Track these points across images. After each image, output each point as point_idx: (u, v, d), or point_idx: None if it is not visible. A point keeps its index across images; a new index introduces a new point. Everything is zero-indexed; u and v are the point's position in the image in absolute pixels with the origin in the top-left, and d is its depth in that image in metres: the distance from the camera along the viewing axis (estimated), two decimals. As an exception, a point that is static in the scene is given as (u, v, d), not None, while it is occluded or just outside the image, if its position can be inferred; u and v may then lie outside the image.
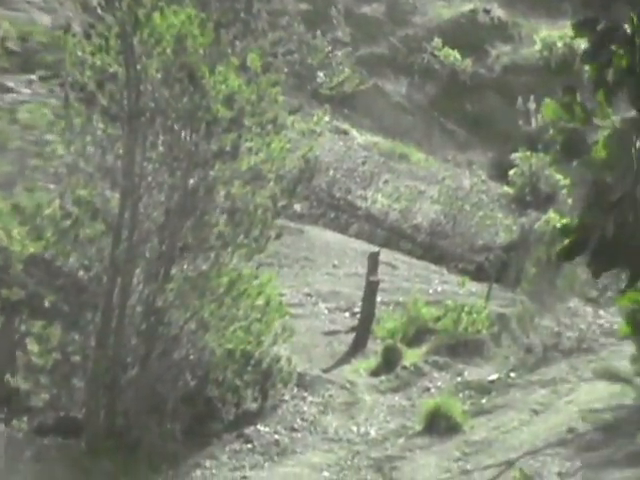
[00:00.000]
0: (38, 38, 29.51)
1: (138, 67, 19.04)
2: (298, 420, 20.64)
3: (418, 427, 20.00)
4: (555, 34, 30.80)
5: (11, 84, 28.41)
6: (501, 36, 35.50)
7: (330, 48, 33.67)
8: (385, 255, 26.65)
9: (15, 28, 29.33)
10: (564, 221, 15.12)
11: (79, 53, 19.36)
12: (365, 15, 34.35)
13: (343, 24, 33.75)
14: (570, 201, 22.36)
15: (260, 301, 20.12)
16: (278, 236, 20.66)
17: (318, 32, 33.72)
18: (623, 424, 17.86)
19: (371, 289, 24.26)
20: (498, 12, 35.89)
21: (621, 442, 17.15)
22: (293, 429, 20.00)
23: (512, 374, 22.14)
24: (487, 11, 36.37)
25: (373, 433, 20.16)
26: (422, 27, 35.22)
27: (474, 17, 36.62)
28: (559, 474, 17.24)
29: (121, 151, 19.24)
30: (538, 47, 35.07)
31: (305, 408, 20.84)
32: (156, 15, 19.01)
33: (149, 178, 19.24)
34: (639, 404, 18.14)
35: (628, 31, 4.94)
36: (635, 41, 5.06)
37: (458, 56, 35.92)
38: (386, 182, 31.41)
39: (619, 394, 18.11)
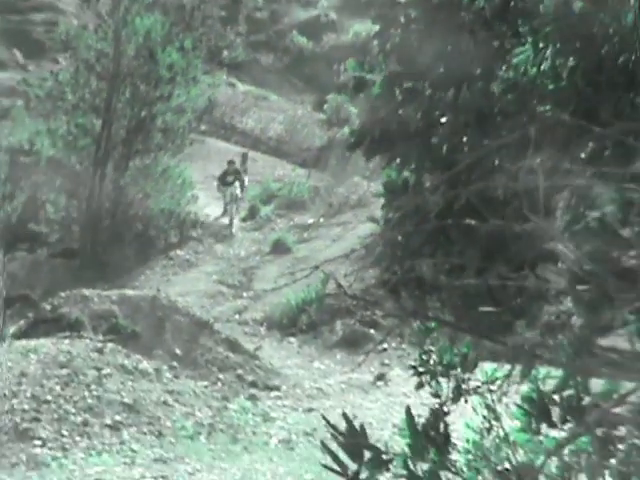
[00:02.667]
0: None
1: (121, 48, 25.33)
2: (200, 247, 27.00)
3: (267, 250, 26.42)
4: (363, 27, 35.27)
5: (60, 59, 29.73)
6: (332, 29, 39.97)
7: (233, 37, 38.16)
8: (251, 154, 31.96)
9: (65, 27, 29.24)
10: (352, 129, 21.57)
11: (89, 41, 25.83)
12: (256, 18, 39.52)
13: (243, 23, 38.92)
14: (357, 122, 24.06)
15: (179, 181, 26.89)
16: (190, 143, 27.40)
17: (228, 28, 38.20)
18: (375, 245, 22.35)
19: (243, 172, 30.11)
20: (332, 16, 40.92)
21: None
22: (197, 252, 26.36)
23: (321, 219, 28.14)
24: (327, 15, 41.53)
25: (242, 254, 26.57)
26: (287, 24, 40.29)
27: (318, 18, 41.46)
28: (345, 275, 22.64)
29: (104, 96, 25.80)
30: (350, 35, 38.91)
31: (204, 240, 27.14)
32: (137, 18, 25.44)
33: (118, 112, 25.94)
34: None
35: (402, 20, 5.22)
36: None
37: (305, 40, 40.20)
38: (254, 112, 35.62)
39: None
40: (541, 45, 4.67)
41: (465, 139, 5.03)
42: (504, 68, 4.76)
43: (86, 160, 25.88)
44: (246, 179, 29.12)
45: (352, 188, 27.94)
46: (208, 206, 29.06)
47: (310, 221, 27.93)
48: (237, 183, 28.16)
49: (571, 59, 4.59)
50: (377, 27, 5.50)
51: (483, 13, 5.04)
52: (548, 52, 4.64)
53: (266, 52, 37.43)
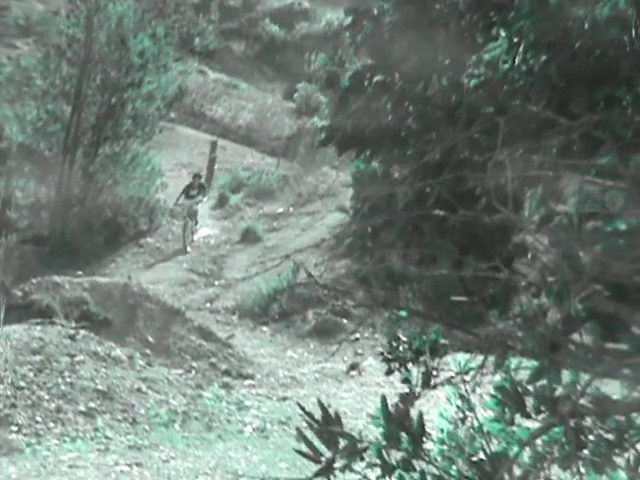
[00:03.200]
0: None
1: (93, 34, 25.29)
2: (169, 235, 27.01)
3: (237, 239, 26.46)
4: (335, 16, 35.10)
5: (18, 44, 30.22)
6: (304, 18, 39.57)
7: (205, 24, 37.88)
8: (220, 142, 31.48)
9: (23, 11, 30.71)
10: (323, 123, 17.23)
11: (60, 26, 25.86)
12: (229, 5, 39.13)
13: (216, 11, 38.61)
14: (327, 111, 24.91)
15: (148, 168, 26.78)
16: (160, 131, 27.44)
17: (200, 15, 37.95)
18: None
19: (212, 160, 30.23)
20: (305, 4, 40.50)
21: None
22: (167, 240, 26.29)
23: (291, 209, 28.07)
24: (300, 4, 40.74)
25: (212, 242, 26.63)
26: (260, 12, 39.88)
27: (291, 6, 41.14)
28: (315, 264, 22.35)
29: (74, 82, 25.61)
30: (323, 24, 38.81)
31: (174, 229, 27.03)
32: (110, 4, 25.38)
33: (89, 98, 25.92)
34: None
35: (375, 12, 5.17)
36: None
37: (277, 29, 39.94)
38: (224, 100, 35.41)
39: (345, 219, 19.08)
40: (515, 40, 4.66)
41: (434, 132, 4.99)
42: (476, 63, 4.75)
43: (55, 146, 25.92)
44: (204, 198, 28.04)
45: (321, 177, 28.00)
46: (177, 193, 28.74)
47: (279, 210, 27.98)
48: (199, 197, 27.27)
49: (544, 53, 4.56)
50: (349, 19, 5.56)
51: (457, 6, 5.07)
52: (521, 47, 4.63)
53: (238, 40, 37.29)
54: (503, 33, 4.73)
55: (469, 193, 4.42)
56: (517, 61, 4.58)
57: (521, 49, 4.61)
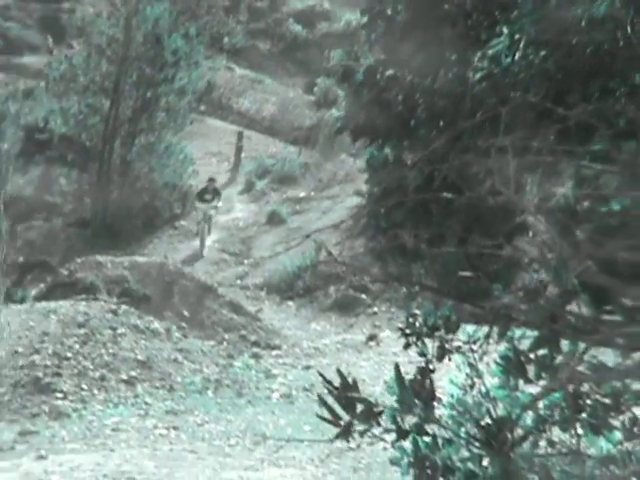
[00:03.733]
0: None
1: (131, 34, 25.37)
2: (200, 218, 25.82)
3: (263, 221, 26.16)
4: (353, 17, 32.78)
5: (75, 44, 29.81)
6: (325, 18, 38.23)
7: (234, 25, 36.91)
8: (246, 133, 30.73)
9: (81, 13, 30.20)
10: (339, 114, 19.15)
11: (102, 27, 25.97)
12: (257, 7, 38.22)
13: (245, 12, 37.80)
14: (343, 103, 23.53)
15: (181, 156, 26.63)
16: (191, 122, 27.42)
17: (230, 16, 36.90)
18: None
19: (239, 149, 29.58)
20: (326, 5, 38.84)
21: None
22: (199, 223, 25.20)
23: (312, 193, 27.76)
24: (321, 5, 39.03)
25: (241, 224, 26.31)
26: (285, 13, 38.67)
27: (313, 8, 39.40)
28: (335, 243, 20.78)
29: (113, 78, 25.68)
30: (342, 23, 36.88)
31: (207, 212, 25.66)
32: (148, 7, 25.39)
33: (125, 93, 25.89)
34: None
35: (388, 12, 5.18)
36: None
37: (300, 28, 38.43)
38: (250, 94, 34.52)
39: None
40: (516, 36, 4.65)
41: (442, 121, 4.99)
42: (480, 58, 4.71)
43: (95, 137, 25.88)
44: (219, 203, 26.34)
45: (339, 164, 27.79)
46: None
47: (302, 194, 27.76)
48: (214, 202, 25.60)
49: (543, 49, 4.54)
50: (365, 18, 5.60)
51: (465, 6, 5.06)
52: (522, 43, 4.61)
53: (264, 39, 36.50)
54: (505, 30, 4.68)
55: (474, 177, 4.34)
56: (518, 56, 4.55)
57: (522, 45, 4.56)
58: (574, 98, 4.21)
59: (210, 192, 25.48)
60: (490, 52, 4.50)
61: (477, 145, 4.47)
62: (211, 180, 26.05)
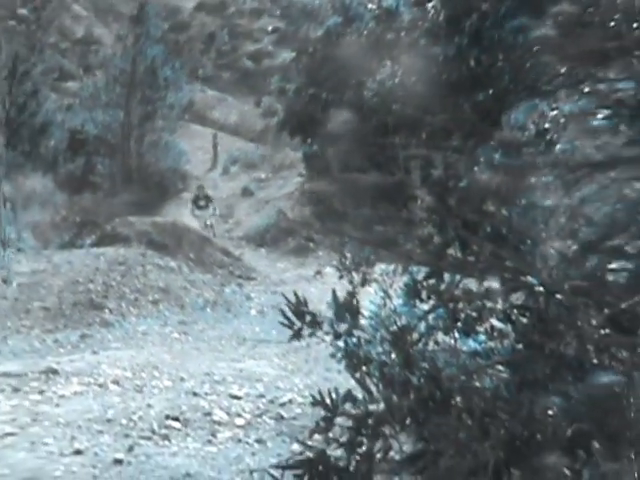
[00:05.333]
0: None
1: (136, 67, 25.51)
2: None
3: (239, 193, 25.52)
4: (288, 55, 28.38)
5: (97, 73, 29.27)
6: (269, 57, 36.23)
7: (206, 61, 35.99)
8: (219, 134, 29.97)
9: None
10: (279, 119, 18.58)
11: (115, 62, 26.02)
12: (222, 49, 36.63)
13: (213, 52, 36.51)
14: (281, 113, 23.28)
15: (177, 150, 26.62)
16: (180, 127, 27.50)
17: (203, 55, 36.03)
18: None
19: (215, 145, 28.82)
20: (270, 48, 36.18)
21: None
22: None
23: (270, 175, 26.80)
24: (267, 48, 36.28)
25: (224, 196, 25.33)
26: (241, 53, 36.93)
27: (261, 49, 36.70)
28: (290, 208, 21.73)
29: (124, 97, 25.67)
30: (280, 60, 32.82)
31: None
32: (148, 49, 25.42)
33: (133, 108, 25.67)
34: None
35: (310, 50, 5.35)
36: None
37: (251, 63, 36.33)
38: (218, 108, 33.20)
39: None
40: (396, 67, 4.50)
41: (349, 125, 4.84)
42: (372, 81, 4.50)
43: (117, 137, 25.69)
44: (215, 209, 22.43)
45: (285, 155, 26.77)
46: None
47: (262, 176, 27.09)
48: (210, 210, 21.77)
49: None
50: (294, 55, 5.54)
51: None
52: (400, 72, 4.43)
53: (226, 70, 35.64)
54: (389, 63, 4.54)
55: (377, 163, 4.30)
56: (397, 81, 4.31)
57: (399, 73, 4.33)
58: (437, 110, 4.02)
59: (202, 198, 22.07)
60: (378, 78, 4.35)
61: (375, 141, 4.38)
62: (200, 187, 23.05)
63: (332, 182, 4.95)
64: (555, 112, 3.64)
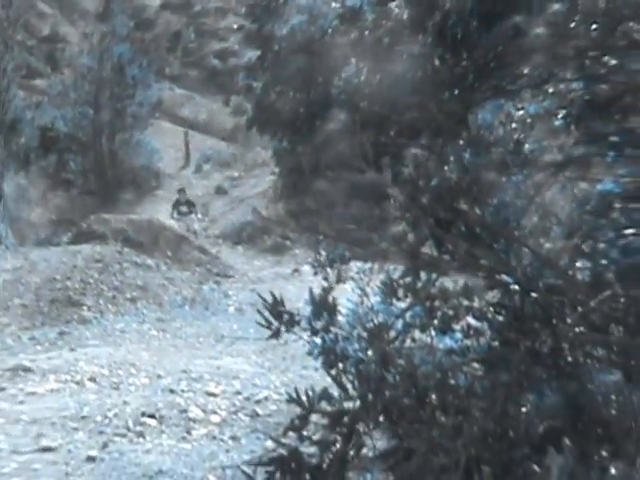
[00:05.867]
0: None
1: (103, 65, 25.21)
2: (172, 189, 23.82)
3: (212, 192, 25.37)
4: (254, 54, 28.75)
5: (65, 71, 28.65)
6: (235, 56, 35.21)
7: (172, 59, 35.39)
8: (190, 132, 29.83)
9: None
10: (247, 116, 18.03)
11: (83, 60, 25.61)
12: (189, 47, 36.33)
13: (180, 51, 36.04)
14: (250, 110, 19.32)
15: (149, 148, 26.11)
16: (151, 125, 26.93)
17: (171, 54, 35.68)
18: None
19: (187, 143, 28.47)
20: (236, 47, 35.25)
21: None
22: (170, 192, 23.24)
23: (242, 173, 26.74)
24: (233, 47, 35.72)
25: (199, 194, 25.18)
26: (207, 52, 36.41)
27: (227, 49, 35.95)
28: (265, 207, 21.77)
29: (94, 95, 25.22)
30: (245, 59, 30.54)
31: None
32: (114, 47, 25.35)
33: (103, 105, 25.38)
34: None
35: (275, 48, 5.36)
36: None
37: (218, 62, 35.85)
38: (187, 106, 32.90)
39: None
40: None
41: (317, 123, 4.87)
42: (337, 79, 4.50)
43: (87, 135, 25.30)
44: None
45: (256, 153, 26.61)
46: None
47: (235, 174, 26.94)
48: (193, 216, 20.83)
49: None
50: (259, 53, 5.51)
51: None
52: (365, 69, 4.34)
53: (193, 69, 35.15)
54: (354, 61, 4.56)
55: (347, 162, 4.34)
56: (363, 78, 4.29)
57: (365, 71, 4.36)
58: (403, 108, 4.01)
59: (184, 203, 21.00)
60: (344, 75, 4.30)
61: (344, 140, 4.38)
62: (181, 191, 21.81)
63: (302, 181, 4.98)
64: (521, 112, 3.64)
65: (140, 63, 26.55)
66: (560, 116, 3.46)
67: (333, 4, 4.45)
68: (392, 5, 3.99)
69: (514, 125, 3.64)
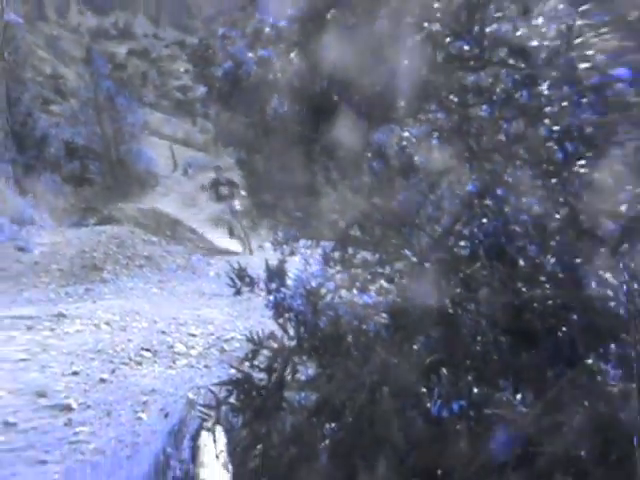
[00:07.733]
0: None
1: (97, 96, 24.78)
2: (170, 185, 25.63)
3: (199, 189, 22.52)
4: None
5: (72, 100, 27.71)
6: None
7: (147, 92, 35.09)
8: (174, 146, 29.36)
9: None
10: (214, 135, 20.60)
11: (81, 92, 25.24)
12: (157, 84, 36.18)
13: (152, 86, 36.26)
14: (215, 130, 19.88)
15: (146, 156, 25.41)
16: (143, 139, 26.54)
17: (144, 87, 35.80)
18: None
19: (173, 153, 27.77)
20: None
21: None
22: (167, 187, 24.59)
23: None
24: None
25: (188, 190, 23.72)
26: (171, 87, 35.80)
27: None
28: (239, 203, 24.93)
29: (95, 117, 24.51)
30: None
31: (169, 183, 25.85)
32: (102, 82, 24.57)
33: (105, 125, 24.63)
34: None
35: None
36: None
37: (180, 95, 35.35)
38: (167, 127, 31.55)
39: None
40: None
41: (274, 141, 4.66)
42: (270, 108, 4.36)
43: (100, 146, 24.65)
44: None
45: (225, 161, 24.16)
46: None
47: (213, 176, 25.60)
48: (235, 200, 16.64)
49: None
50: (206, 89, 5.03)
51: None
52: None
53: (164, 99, 34.23)
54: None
55: (292, 169, 4.17)
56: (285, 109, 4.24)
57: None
58: (319, 128, 3.90)
59: (224, 183, 17.13)
60: (272, 106, 4.23)
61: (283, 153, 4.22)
62: (218, 168, 17.99)
63: (267, 182, 4.84)
64: (407, 134, 3.63)
65: (124, 94, 26.21)
66: (435, 137, 3.47)
67: (249, 54, 4.32)
68: (291, 56, 3.95)
69: (404, 143, 3.62)
